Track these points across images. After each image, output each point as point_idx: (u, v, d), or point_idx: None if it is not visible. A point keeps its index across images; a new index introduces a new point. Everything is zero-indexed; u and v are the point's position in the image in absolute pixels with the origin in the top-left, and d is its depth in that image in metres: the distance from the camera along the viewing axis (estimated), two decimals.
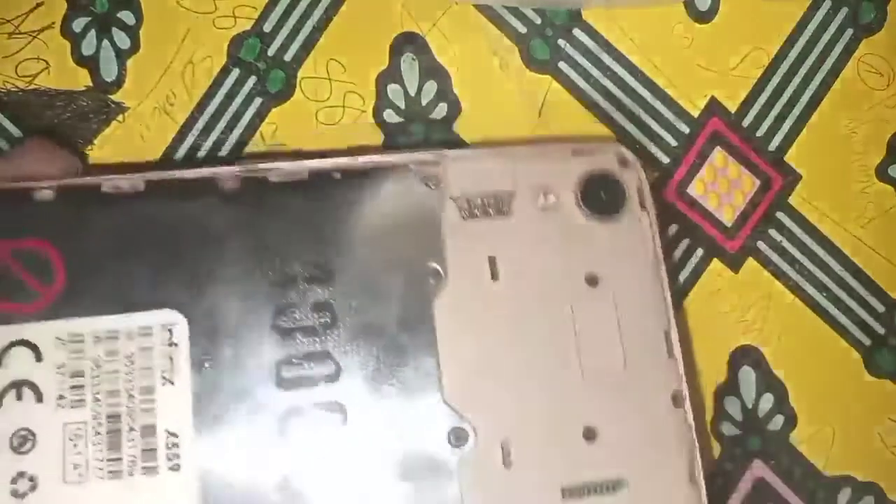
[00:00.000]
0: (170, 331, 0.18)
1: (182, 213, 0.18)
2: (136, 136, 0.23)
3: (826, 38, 0.24)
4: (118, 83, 0.24)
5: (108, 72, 0.24)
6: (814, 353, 0.24)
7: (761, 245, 0.24)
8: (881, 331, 0.24)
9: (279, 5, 0.24)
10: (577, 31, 0.24)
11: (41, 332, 0.17)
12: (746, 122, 0.24)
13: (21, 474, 0.17)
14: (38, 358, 0.17)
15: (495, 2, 0.24)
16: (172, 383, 0.18)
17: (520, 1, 0.24)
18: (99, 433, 0.17)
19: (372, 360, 0.18)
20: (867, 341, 0.24)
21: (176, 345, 0.18)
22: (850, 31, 0.24)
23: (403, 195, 0.19)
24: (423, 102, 0.24)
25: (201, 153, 0.23)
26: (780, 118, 0.24)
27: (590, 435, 0.19)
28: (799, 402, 0.24)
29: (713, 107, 0.24)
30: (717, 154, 0.24)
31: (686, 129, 0.24)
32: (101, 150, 0.23)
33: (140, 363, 0.18)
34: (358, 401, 0.18)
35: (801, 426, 0.24)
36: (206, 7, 0.24)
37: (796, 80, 0.24)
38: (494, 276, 0.19)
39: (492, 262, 0.19)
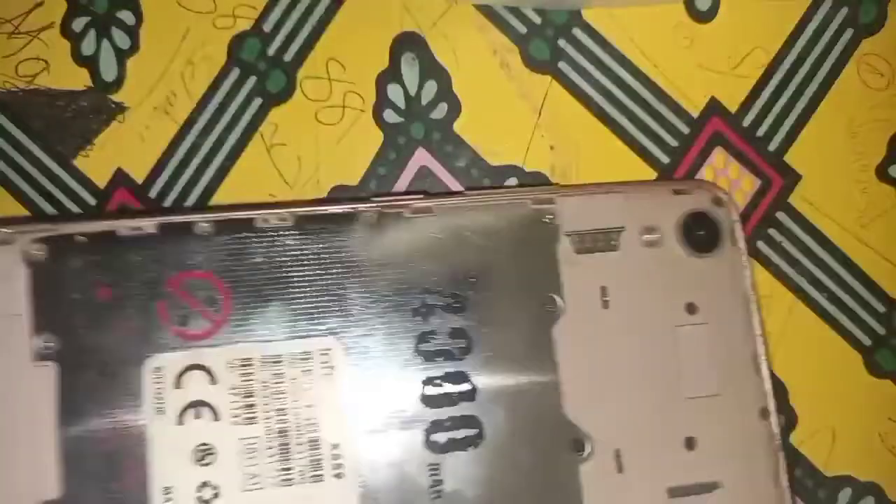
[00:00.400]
0: (326, 355, 0.20)
1: (327, 245, 0.20)
2: (135, 136, 0.23)
3: (826, 37, 0.24)
4: (118, 83, 0.24)
5: (108, 72, 0.24)
6: (814, 354, 0.24)
7: (761, 245, 0.24)
8: (881, 331, 0.24)
9: (279, 5, 0.24)
10: (577, 31, 0.24)
11: (214, 356, 0.19)
12: (746, 122, 0.24)
13: (205, 484, 0.19)
14: (213, 381, 0.19)
15: (495, 2, 0.24)
16: (332, 402, 0.20)
17: (520, 1, 0.24)
18: (271, 447, 0.19)
19: (503, 379, 0.21)
20: (867, 341, 0.24)
21: (332, 367, 0.20)
22: (850, 31, 0.24)
23: (524, 231, 0.21)
24: (424, 102, 0.24)
25: (201, 153, 0.23)
26: (781, 118, 0.24)
27: (690, 444, 0.21)
28: (799, 402, 0.24)
29: (713, 107, 0.24)
30: (717, 154, 0.24)
31: (686, 129, 0.24)
32: (101, 150, 0.23)
33: (303, 384, 0.20)
34: (492, 415, 0.20)
35: (801, 426, 0.24)
36: (206, 7, 0.24)
37: (796, 79, 0.24)
38: (605, 304, 0.21)
39: (602, 291, 0.21)
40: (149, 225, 0.20)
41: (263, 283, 0.20)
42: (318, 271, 0.20)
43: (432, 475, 0.20)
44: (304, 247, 0.20)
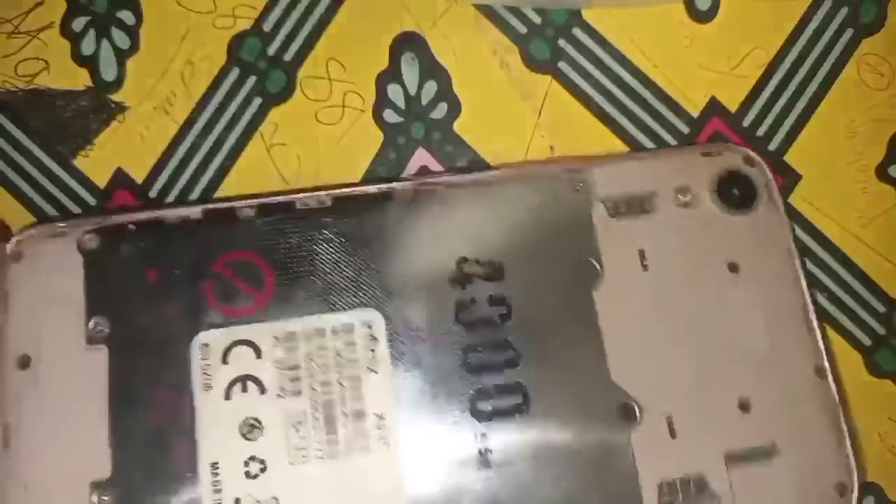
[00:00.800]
0: (369, 327, 0.20)
1: (366, 222, 0.21)
2: (135, 135, 0.23)
3: (826, 37, 0.24)
4: (118, 83, 0.24)
5: (108, 71, 0.24)
6: None
7: None
8: (881, 331, 0.24)
9: (279, 5, 0.24)
10: (577, 31, 0.24)
11: (259, 332, 0.20)
12: (746, 122, 0.24)
13: (252, 458, 0.19)
14: (258, 355, 0.20)
15: (495, 2, 0.24)
16: (376, 372, 0.20)
17: (520, 1, 0.24)
18: (317, 419, 0.20)
19: (545, 346, 0.20)
20: (867, 341, 0.24)
21: (376, 339, 0.20)
22: (850, 31, 0.24)
23: (557, 199, 0.21)
24: (424, 102, 0.24)
25: (201, 153, 0.23)
26: (781, 118, 0.24)
27: (745, 406, 0.21)
28: None
29: (713, 106, 0.24)
30: None
31: (686, 129, 0.24)
32: (101, 150, 0.23)
33: (346, 356, 0.20)
34: (536, 382, 0.20)
35: None
36: (206, 7, 0.24)
37: (796, 79, 0.24)
38: (645, 267, 0.21)
39: (641, 254, 0.21)
40: (194, 212, 0.21)
41: (304, 260, 0.20)
42: (357, 248, 0.21)
43: (479, 443, 0.20)
44: (342, 226, 0.21)
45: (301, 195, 0.21)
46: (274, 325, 0.20)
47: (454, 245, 0.21)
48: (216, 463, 0.19)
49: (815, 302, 0.22)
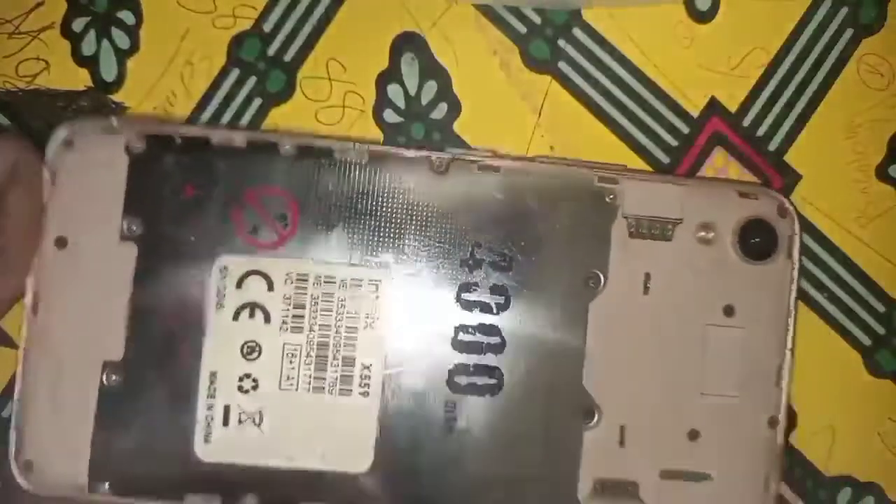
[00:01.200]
0: (376, 286, 0.22)
1: (396, 185, 0.22)
2: None
3: (826, 38, 0.24)
4: (118, 83, 0.24)
5: (108, 72, 0.24)
6: (814, 353, 0.24)
7: None
8: (881, 331, 0.24)
9: (279, 5, 0.24)
10: (576, 31, 0.24)
11: (275, 266, 0.21)
12: (746, 122, 0.24)
13: (247, 375, 0.21)
14: (270, 287, 0.21)
15: (495, 2, 0.24)
16: (372, 328, 0.22)
17: (520, 1, 0.24)
18: (310, 356, 0.21)
19: (532, 340, 0.22)
20: (867, 341, 0.24)
21: (378, 298, 0.22)
22: (849, 31, 0.24)
23: (583, 204, 0.22)
24: (424, 102, 0.24)
25: None
26: (781, 118, 0.24)
27: (693, 436, 0.22)
28: (799, 402, 0.24)
29: (713, 107, 0.24)
30: (717, 154, 0.24)
31: (686, 129, 0.24)
32: None
33: (349, 307, 0.22)
34: (514, 371, 0.22)
35: (801, 426, 0.24)
36: (206, 7, 0.24)
37: (796, 79, 0.24)
38: (646, 290, 0.22)
39: (646, 277, 0.22)
40: (239, 138, 0.21)
41: (331, 209, 0.21)
42: (382, 208, 0.22)
43: (448, 411, 0.22)
44: (374, 183, 0.22)
45: (343, 143, 0.22)
46: (290, 263, 0.21)
47: (472, 227, 0.22)
48: (215, 372, 0.21)
49: (792, 357, 0.22)
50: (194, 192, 0.21)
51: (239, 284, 0.21)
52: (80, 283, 0.21)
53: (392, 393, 0.22)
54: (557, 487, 0.22)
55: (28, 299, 0.21)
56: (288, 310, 0.21)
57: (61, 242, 0.21)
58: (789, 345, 0.22)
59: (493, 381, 0.22)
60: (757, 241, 0.22)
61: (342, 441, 0.21)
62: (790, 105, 0.24)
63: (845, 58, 0.24)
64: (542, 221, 0.22)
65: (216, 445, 0.21)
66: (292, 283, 0.21)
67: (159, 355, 0.21)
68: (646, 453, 0.22)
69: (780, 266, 0.22)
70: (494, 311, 0.22)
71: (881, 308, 0.24)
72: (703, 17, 0.24)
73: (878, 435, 0.24)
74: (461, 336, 0.22)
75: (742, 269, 0.22)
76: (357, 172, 0.22)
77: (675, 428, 0.22)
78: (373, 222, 0.22)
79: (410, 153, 0.22)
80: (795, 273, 0.22)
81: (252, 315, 0.21)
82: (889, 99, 0.24)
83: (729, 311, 0.22)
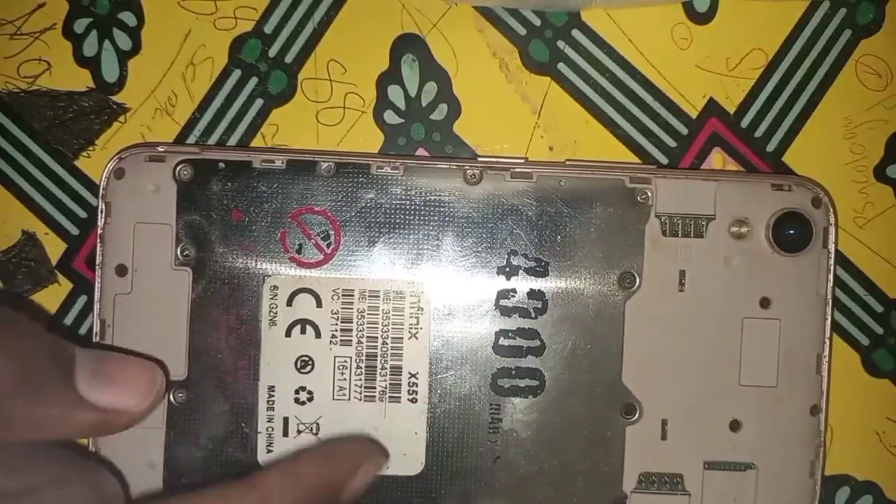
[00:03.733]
0: (418, 297, 0.22)
1: (431, 196, 0.22)
2: (137, 136, 0.24)
3: (824, 39, 0.24)
4: (119, 84, 0.24)
5: (110, 73, 0.24)
6: None
7: None
8: (879, 331, 0.24)
9: (280, 6, 0.24)
10: (576, 33, 0.24)
11: (322, 284, 0.22)
12: (745, 123, 0.24)
13: (302, 388, 0.22)
14: (318, 304, 0.22)
15: (495, 3, 0.24)
16: (416, 338, 0.22)
17: (519, 2, 0.24)
18: (360, 367, 0.22)
19: (570, 342, 0.23)
20: (865, 341, 0.24)
21: (422, 309, 0.22)
22: (848, 32, 0.24)
23: (616, 206, 0.23)
24: (424, 103, 0.24)
25: None
26: (779, 119, 0.24)
27: (735, 426, 0.23)
28: None
29: (712, 107, 0.24)
30: (716, 154, 0.24)
31: (685, 130, 0.24)
32: (102, 150, 0.24)
33: (394, 319, 0.22)
34: (555, 372, 0.23)
35: None
36: (208, 8, 0.24)
37: (794, 80, 0.24)
38: (681, 287, 0.22)
39: (681, 275, 0.22)
40: (279, 159, 0.22)
41: (371, 224, 0.22)
42: (419, 220, 0.22)
43: (493, 413, 0.22)
44: (410, 196, 0.22)
45: (378, 159, 0.22)
46: (336, 280, 0.22)
47: (508, 235, 0.22)
48: (273, 386, 0.22)
49: (831, 345, 0.23)
50: (241, 215, 0.22)
51: (289, 302, 0.22)
52: (141, 308, 0.22)
53: (439, 398, 0.22)
54: (603, 482, 0.22)
55: (95, 326, 0.22)
56: (336, 324, 0.22)
57: (121, 270, 0.22)
58: (828, 333, 0.23)
59: (535, 383, 0.22)
60: (792, 233, 0.22)
61: (394, 446, 0.22)
62: (788, 106, 0.24)
63: (843, 59, 0.24)
64: (576, 225, 0.22)
65: (278, 455, 0.22)
66: (339, 298, 0.22)
67: (220, 373, 0.22)
68: (688, 445, 0.22)
69: (815, 256, 0.23)
70: (533, 315, 0.22)
71: (879, 308, 0.24)
72: (701, 19, 0.24)
73: (876, 434, 0.24)
74: (502, 341, 0.23)
75: (777, 261, 0.22)
76: (394, 187, 0.22)
77: (716, 419, 0.22)
78: (411, 235, 0.22)
79: (444, 165, 0.22)
80: (832, 262, 0.23)
81: (303, 331, 0.22)
82: (887, 100, 0.24)
83: (765, 303, 0.22)
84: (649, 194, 0.22)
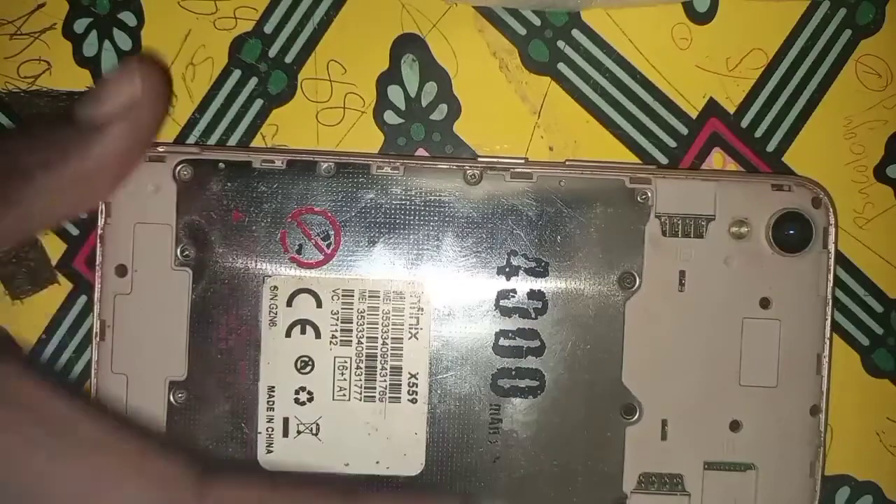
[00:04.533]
0: (418, 297, 0.22)
1: (431, 197, 0.22)
2: None
3: (824, 39, 0.24)
4: None
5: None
6: None
7: None
8: (879, 331, 0.24)
9: (280, 7, 0.24)
10: (576, 33, 0.24)
11: (322, 285, 0.22)
12: (745, 123, 0.24)
13: (302, 388, 0.22)
14: (319, 304, 0.22)
15: (495, 3, 0.24)
16: (417, 338, 0.22)
17: (519, 2, 0.24)
18: (360, 367, 0.22)
19: (570, 342, 0.23)
20: (865, 341, 0.24)
21: (422, 309, 0.22)
22: (848, 32, 0.24)
23: (616, 206, 0.22)
24: (424, 103, 0.24)
25: None
26: (779, 119, 0.24)
27: (735, 427, 0.23)
28: None
29: (712, 107, 0.24)
30: (716, 154, 0.24)
31: (685, 130, 0.24)
32: None
33: (394, 320, 0.22)
34: (555, 372, 0.23)
35: None
36: (208, 8, 0.24)
37: (794, 80, 0.24)
38: (681, 287, 0.22)
39: (681, 275, 0.22)
40: (279, 159, 0.22)
41: (371, 225, 0.22)
42: (419, 220, 0.22)
43: (493, 413, 0.22)
44: (410, 196, 0.22)
45: (378, 159, 0.22)
46: (335, 280, 0.22)
47: (508, 235, 0.22)
48: (273, 387, 0.22)
49: (831, 345, 0.23)
50: (240, 216, 0.22)
51: (289, 303, 0.22)
52: (141, 308, 0.22)
53: (439, 398, 0.22)
54: (603, 482, 0.23)
55: (95, 326, 0.22)
56: (336, 325, 0.22)
57: (121, 271, 0.22)
58: (828, 334, 0.23)
59: (535, 383, 0.22)
60: (792, 233, 0.22)
61: (394, 446, 0.22)
62: (788, 106, 0.24)
63: (843, 59, 0.24)
64: (576, 225, 0.22)
65: (278, 455, 0.22)
66: (339, 299, 0.22)
67: (220, 373, 0.22)
68: (688, 446, 0.23)
69: (815, 257, 0.22)
70: (532, 315, 0.22)
71: (879, 308, 0.24)
72: (701, 19, 0.24)
73: (876, 434, 0.24)
74: (502, 341, 0.22)
75: (777, 261, 0.22)
76: (394, 187, 0.22)
77: (716, 420, 0.22)
78: (411, 235, 0.22)
79: (444, 165, 0.22)
80: (832, 262, 0.22)
81: (304, 331, 0.22)
82: (887, 100, 0.24)
83: (765, 303, 0.22)
84: (649, 194, 0.22)
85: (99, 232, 0.22)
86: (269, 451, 0.22)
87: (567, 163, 0.23)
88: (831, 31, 0.24)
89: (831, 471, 0.24)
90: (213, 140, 0.24)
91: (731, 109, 0.24)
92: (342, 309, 0.22)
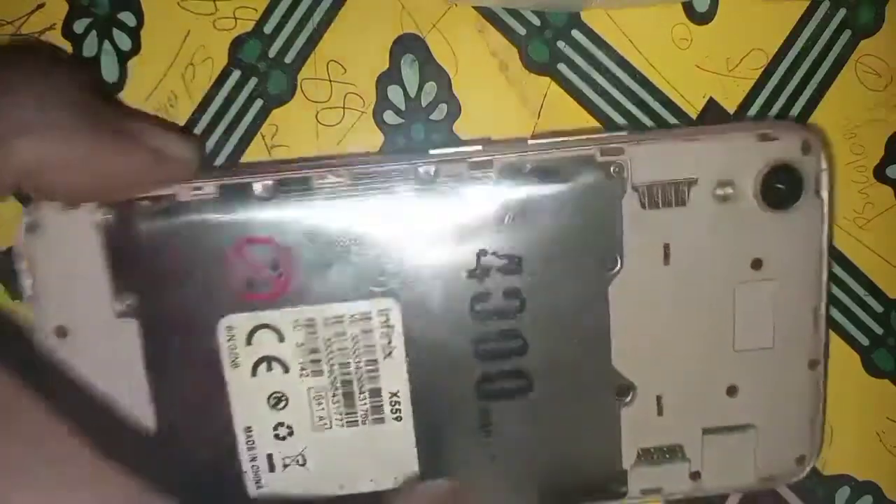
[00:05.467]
0: (386, 315, 0.21)
1: (385, 203, 0.20)
2: None
3: (824, 39, 0.24)
4: (119, 85, 0.24)
5: (109, 73, 0.24)
6: None
7: None
8: (879, 331, 0.24)
9: (280, 7, 0.24)
10: (575, 33, 0.24)
11: (280, 318, 0.21)
12: None
13: (280, 424, 0.21)
14: (281, 339, 0.21)
15: (495, 3, 0.24)
16: (392, 357, 0.21)
17: (519, 2, 0.24)
18: (336, 395, 0.21)
19: (553, 337, 0.21)
20: (865, 341, 0.24)
21: (392, 326, 0.21)
22: (848, 32, 0.24)
23: (588, 183, 0.21)
24: (424, 104, 0.24)
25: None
26: (779, 119, 0.24)
27: (732, 391, 0.22)
28: None
29: (712, 107, 0.24)
30: None
31: None
32: None
33: (364, 342, 0.21)
34: (541, 368, 0.21)
35: None
36: (207, 8, 0.24)
37: (794, 81, 0.24)
38: (666, 260, 0.21)
39: (665, 248, 0.21)
40: (209, 186, 0.20)
41: (322, 245, 0.20)
42: (375, 232, 0.20)
43: (483, 419, 0.22)
44: (361, 206, 0.20)
45: (318, 170, 0.20)
46: (294, 311, 0.21)
47: (474, 234, 0.21)
48: (249, 427, 0.21)
49: (828, 298, 0.22)
50: (178, 255, 0.20)
51: (249, 341, 0.21)
52: (92, 367, 0.20)
53: (424, 412, 0.21)
54: (601, 463, 0.22)
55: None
56: (304, 357, 0.21)
57: (61, 332, 0.20)
58: (825, 285, 0.21)
59: (522, 382, 0.22)
60: (781, 187, 0.21)
61: (387, 464, 0.22)
62: (788, 106, 0.24)
63: (843, 59, 0.24)
64: (547, 212, 0.21)
65: (270, 488, 0.22)
66: (301, 329, 0.21)
67: (191, 422, 0.21)
68: (685, 416, 0.22)
69: (808, 208, 0.21)
70: (511, 315, 0.21)
71: (879, 308, 0.24)
72: (701, 19, 0.24)
73: (876, 434, 0.24)
74: (482, 346, 0.21)
75: (767, 219, 0.21)
76: (341, 198, 0.20)
77: (712, 387, 0.22)
78: (369, 250, 0.20)
79: (394, 165, 0.20)
80: (826, 210, 0.21)
81: (270, 368, 0.21)
82: (887, 100, 0.24)
83: (757, 264, 0.21)
84: (623, 165, 0.20)
85: (27, 294, 0.20)
86: (260, 487, 0.21)
87: (530, 142, 0.21)
88: (831, 31, 0.24)
89: (831, 471, 0.24)
90: (212, 141, 0.24)
91: (732, 109, 0.24)
92: (306, 340, 0.21)
